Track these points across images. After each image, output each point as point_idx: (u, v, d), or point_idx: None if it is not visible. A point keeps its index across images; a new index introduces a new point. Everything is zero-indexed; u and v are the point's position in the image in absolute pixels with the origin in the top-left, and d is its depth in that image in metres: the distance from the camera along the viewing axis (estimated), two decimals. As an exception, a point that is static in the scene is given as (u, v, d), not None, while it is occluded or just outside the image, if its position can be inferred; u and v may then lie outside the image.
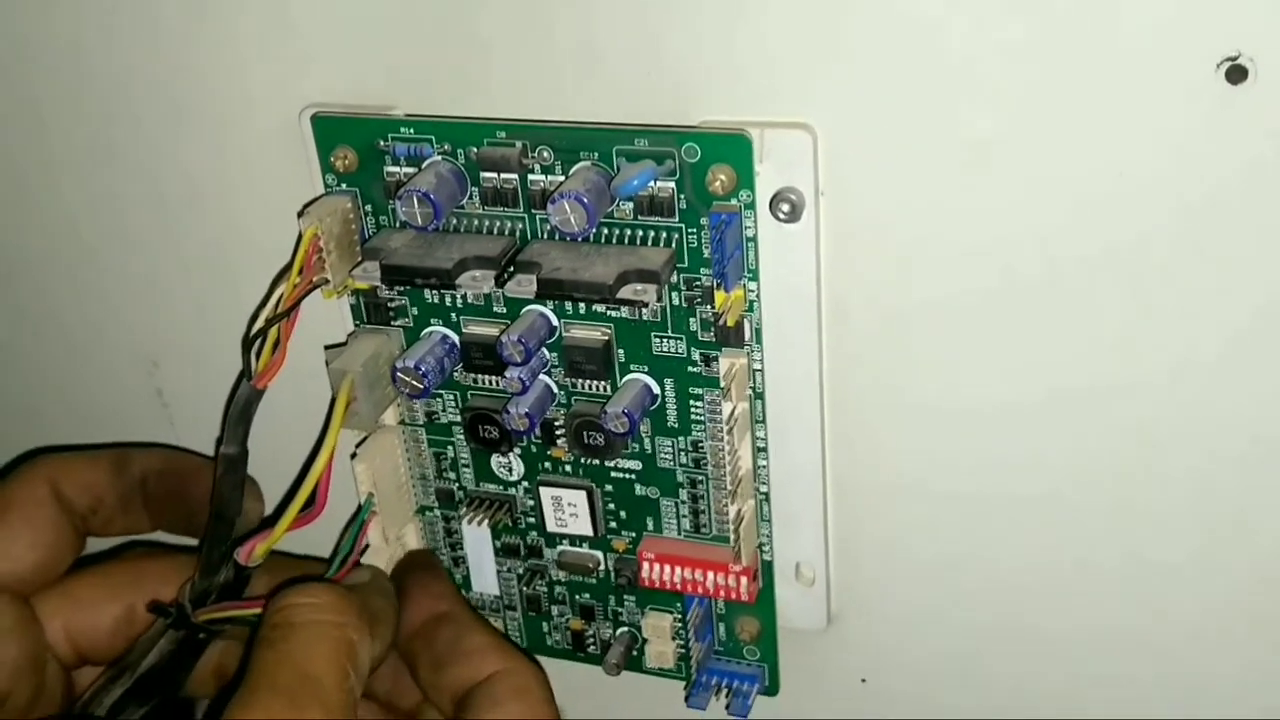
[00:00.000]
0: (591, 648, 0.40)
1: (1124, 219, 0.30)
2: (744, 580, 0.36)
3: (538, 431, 0.36)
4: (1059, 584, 0.36)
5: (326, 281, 0.35)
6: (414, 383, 0.35)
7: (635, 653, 0.40)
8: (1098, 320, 0.32)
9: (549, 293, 0.32)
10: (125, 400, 0.44)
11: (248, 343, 0.34)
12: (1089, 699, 0.38)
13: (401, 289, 0.36)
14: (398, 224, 0.35)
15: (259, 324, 0.34)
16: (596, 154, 0.32)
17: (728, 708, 0.39)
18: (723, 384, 0.34)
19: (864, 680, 0.40)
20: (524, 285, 0.32)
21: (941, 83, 0.30)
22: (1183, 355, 0.32)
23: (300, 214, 0.34)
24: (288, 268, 0.34)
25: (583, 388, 0.36)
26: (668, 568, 0.37)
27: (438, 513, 0.40)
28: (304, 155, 0.36)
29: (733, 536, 0.36)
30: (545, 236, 0.34)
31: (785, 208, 0.32)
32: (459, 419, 0.38)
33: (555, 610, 0.40)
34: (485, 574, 0.40)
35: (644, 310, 0.34)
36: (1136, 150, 0.30)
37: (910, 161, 0.31)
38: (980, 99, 0.30)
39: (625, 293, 0.32)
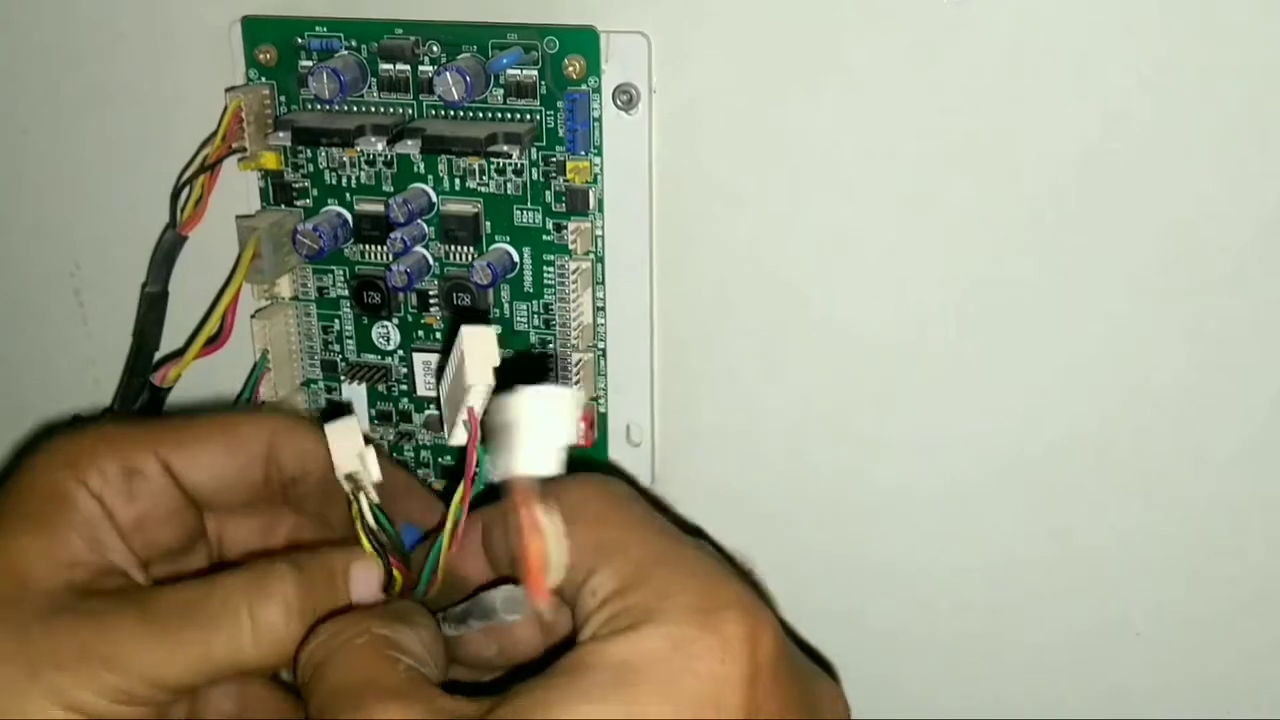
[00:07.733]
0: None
1: (893, 114, 0.39)
2: (581, 425, 0.43)
3: (415, 293, 0.43)
4: (858, 445, 0.43)
5: (245, 150, 0.42)
6: (311, 243, 0.42)
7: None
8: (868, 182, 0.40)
9: (432, 148, 0.40)
10: (44, 299, 0.50)
11: (175, 193, 0.41)
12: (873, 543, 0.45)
13: (305, 172, 0.43)
14: (306, 106, 0.42)
15: (186, 175, 0.41)
16: (475, 47, 0.40)
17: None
18: (570, 243, 0.41)
19: (683, 532, 0.46)
20: (410, 145, 0.40)
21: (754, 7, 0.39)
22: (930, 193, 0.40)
23: (227, 91, 0.42)
24: (214, 134, 0.41)
25: (455, 257, 0.43)
26: (519, 416, 0.43)
27: (321, 385, 0.46)
28: (231, 66, 0.43)
29: (574, 379, 0.43)
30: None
31: (624, 97, 0.40)
32: (347, 293, 0.44)
33: (420, 474, 0.46)
34: (360, 442, 0.46)
35: (508, 185, 0.41)
36: (894, 57, 0.39)
37: (729, 68, 0.40)
38: (782, 23, 0.39)
39: (494, 148, 0.39)
